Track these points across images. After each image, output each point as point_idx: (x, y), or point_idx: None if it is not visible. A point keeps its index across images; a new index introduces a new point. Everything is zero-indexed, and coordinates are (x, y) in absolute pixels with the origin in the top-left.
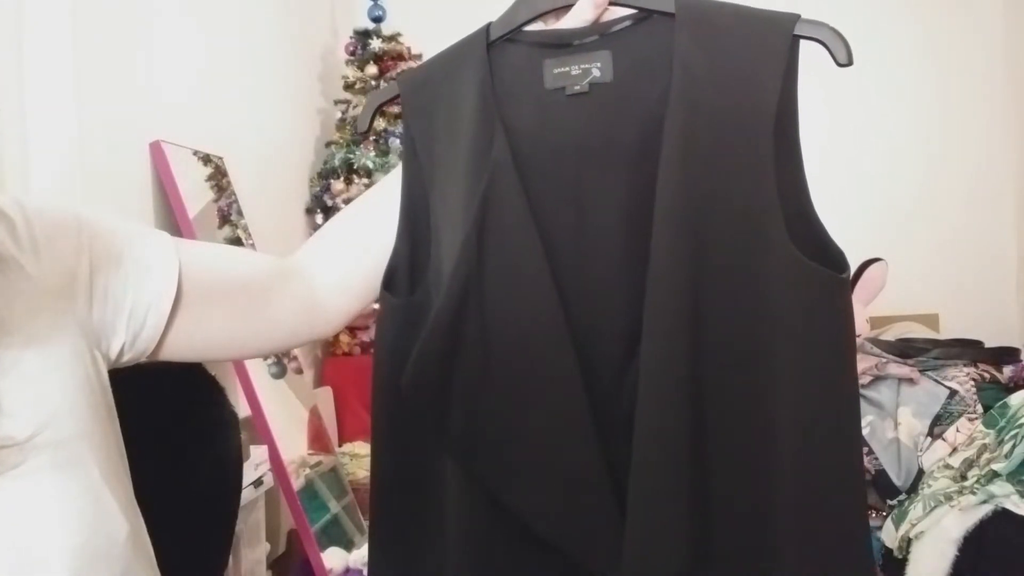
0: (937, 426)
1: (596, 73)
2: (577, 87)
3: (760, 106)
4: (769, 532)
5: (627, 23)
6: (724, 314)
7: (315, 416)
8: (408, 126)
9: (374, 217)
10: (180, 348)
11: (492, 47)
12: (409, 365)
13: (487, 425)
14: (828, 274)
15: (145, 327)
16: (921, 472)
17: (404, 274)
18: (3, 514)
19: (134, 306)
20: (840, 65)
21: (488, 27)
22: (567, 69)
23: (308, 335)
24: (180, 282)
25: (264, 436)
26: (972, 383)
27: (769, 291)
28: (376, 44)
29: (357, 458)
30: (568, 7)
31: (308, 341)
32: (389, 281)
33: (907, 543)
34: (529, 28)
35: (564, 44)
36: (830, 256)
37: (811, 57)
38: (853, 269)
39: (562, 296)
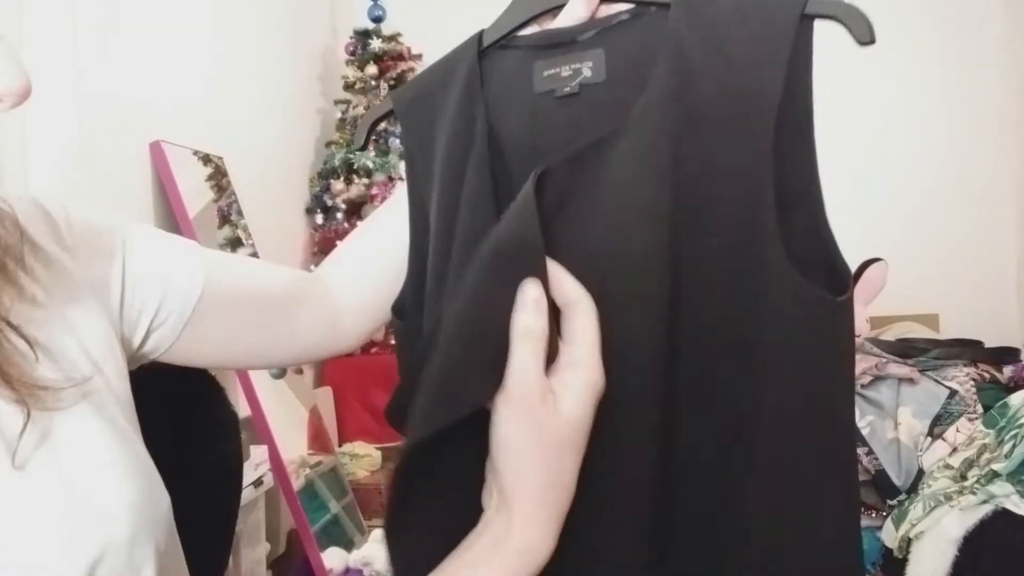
0: (937, 426)
1: (587, 73)
2: (567, 88)
3: (759, 98)
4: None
5: (624, 17)
6: (703, 341)
7: (315, 416)
8: (405, 143)
9: (387, 232)
10: (200, 354)
11: (484, 55)
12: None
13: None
14: (827, 299)
15: (165, 330)
16: (921, 472)
17: (412, 296)
18: (62, 457)
19: (159, 309)
20: (861, 44)
21: (480, 35)
22: (557, 71)
23: (328, 350)
24: (205, 289)
25: (264, 436)
26: (972, 383)
27: (758, 313)
28: (376, 44)
29: (357, 458)
30: (561, 7)
31: (326, 356)
32: (400, 305)
33: (907, 543)
34: (524, 32)
35: (558, 44)
36: (836, 276)
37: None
38: (853, 269)
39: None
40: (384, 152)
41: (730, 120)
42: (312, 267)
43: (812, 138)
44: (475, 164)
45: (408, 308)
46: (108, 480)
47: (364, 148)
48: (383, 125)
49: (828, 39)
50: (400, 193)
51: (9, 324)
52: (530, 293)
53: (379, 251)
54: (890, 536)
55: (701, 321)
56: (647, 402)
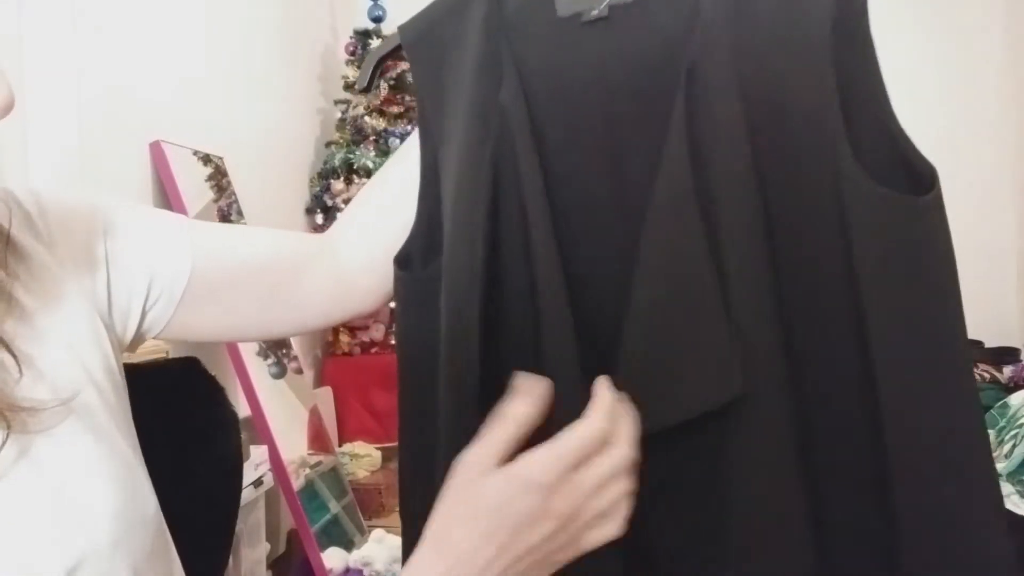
0: None
1: None
2: (595, 11)
3: (813, 9)
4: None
5: None
6: (801, 268)
7: (315, 416)
8: (416, 81)
9: (395, 185)
10: (200, 330)
11: None
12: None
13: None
14: (900, 198)
15: (155, 312)
16: None
17: (419, 249)
18: (45, 468)
19: (149, 289)
20: None
21: None
22: None
23: (341, 315)
24: (197, 265)
25: (264, 436)
26: None
27: (840, 224)
28: (376, 44)
29: (357, 458)
30: None
31: (342, 320)
32: (404, 257)
33: None
34: None
35: None
36: (915, 175)
37: None
38: None
39: (586, 276)
40: (384, 152)
41: (786, 37)
42: None
43: (870, 41)
44: (510, 104)
45: (414, 258)
46: (89, 487)
47: (368, 89)
48: (383, 125)
49: None
50: (412, 140)
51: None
52: (534, 386)
53: (393, 203)
54: None
55: (796, 249)
56: (771, 355)
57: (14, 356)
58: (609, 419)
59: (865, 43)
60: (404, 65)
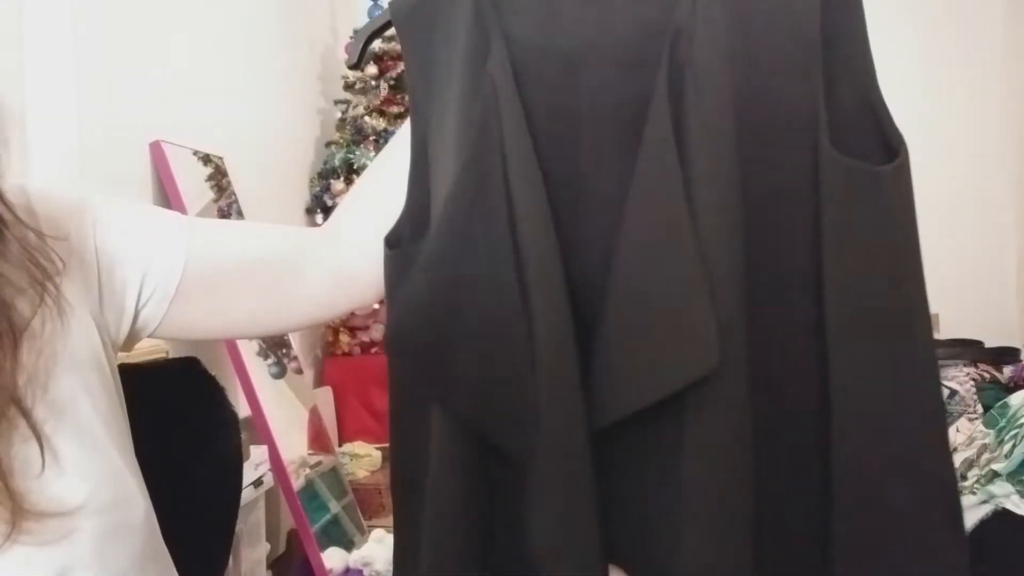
0: None
1: None
2: None
3: None
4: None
5: None
6: (768, 256)
7: (315, 416)
8: (405, 56)
9: (391, 174)
10: (196, 327)
11: None
12: (395, 313)
13: (476, 371)
14: (865, 168)
15: (148, 310)
16: None
17: (409, 227)
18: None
19: (141, 287)
20: None
21: None
22: None
23: (346, 305)
24: (191, 260)
25: (264, 436)
26: (972, 383)
27: (816, 199)
28: (376, 44)
29: (357, 458)
30: None
31: (348, 311)
32: (394, 237)
33: None
34: None
35: None
36: (887, 146)
37: None
38: None
39: (572, 246)
40: None
41: (776, 12)
42: None
43: (861, 14)
44: (498, 73)
45: (404, 236)
46: (74, 498)
47: (358, 66)
48: (383, 125)
49: None
50: (404, 130)
51: (20, 407)
52: None
53: (389, 192)
54: None
55: (767, 220)
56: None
57: (38, 438)
58: None
59: (854, 10)
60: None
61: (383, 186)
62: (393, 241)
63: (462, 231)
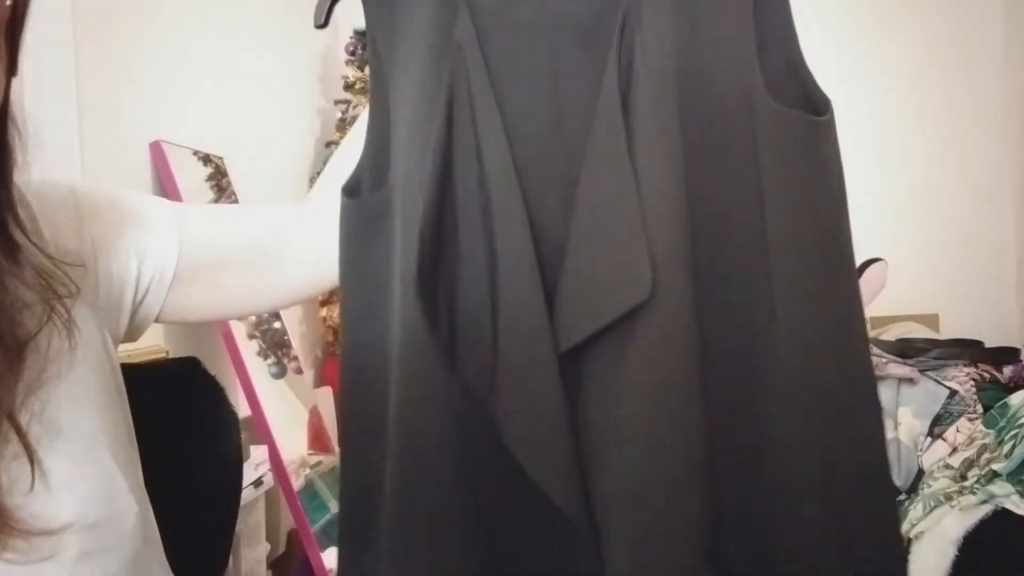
0: (937, 426)
1: None
2: None
3: None
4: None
5: None
6: (712, 196)
7: (315, 416)
8: (368, 20)
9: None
10: (196, 311)
11: None
12: (410, 275)
13: (466, 338)
14: (806, 118)
15: (149, 299)
16: (921, 472)
17: (368, 176)
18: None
19: (139, 280)
20: None
21: None
22: None
23: (332, 279)
24: (185, 246)
25: (264, 436)
26: (972, 383)
27: (753, 147)
28: None
29: None
30: None
31: (329, 285)
32: (353, 186)
33: (907, 543)
34: None
35: None
36: (814, 104)
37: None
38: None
39: (536, 197)
40: None
41: None
42: None
43: None
44: (465, 41)
45: (364, 186)
46: (59, 506)
47: (325, 25)
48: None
49: (830, 40)
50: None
51: (14, 423)
52: None
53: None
54: None
55: (709, 168)
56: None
57: (29, 455)
58: None
59: None
60: None
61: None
62: (351, 190)
63: (441, 183)
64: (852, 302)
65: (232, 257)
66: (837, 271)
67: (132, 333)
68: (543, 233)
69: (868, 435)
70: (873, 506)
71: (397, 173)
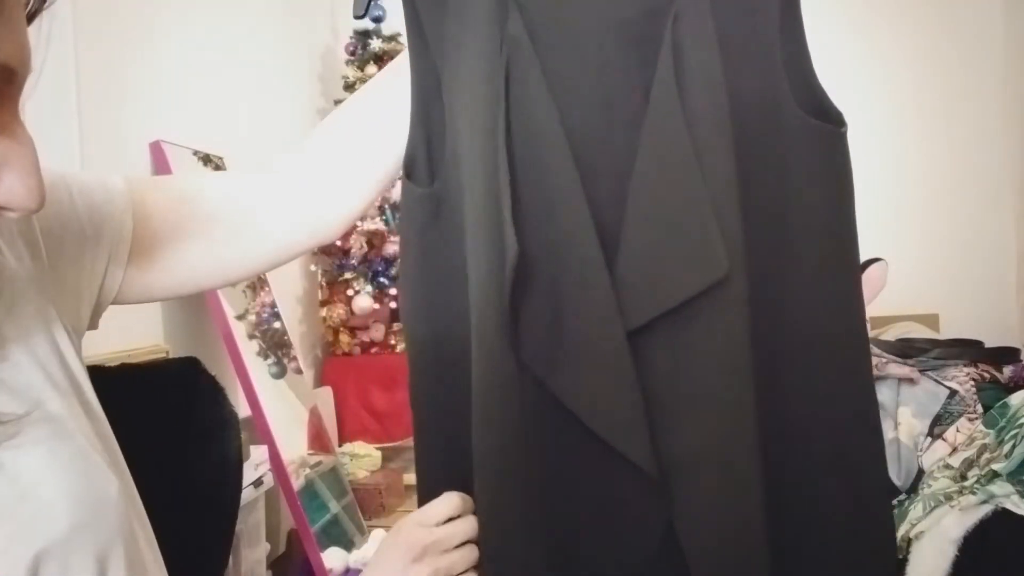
0: (937, 426)
1: None
2: None
3: None
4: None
5: None
6: (751, 191)
7: (315, 416)
8: (416, 5)
9: (381, 104)
10: (160, 288)
11: None
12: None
13: (528, 319)
14: (830, 129)
15: (107, 281)
16: (921, 472)
17: (423, 162)
18: (5, 468)
19: (95, 259)
20: None
21: None
22: None
23: (308, 243)
24: (139, 220)
25: (264, 436)
26: (972, 383)
27: (783, 151)
28: (376, 44)
29: (357, 458)
30: None
31: (311, 249)
32: (410, 170)
33: (907, 543)
34: None
35: None
36: (830, 118)
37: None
38: None
39: (590, 184)
40: None
41: (747, 9)
42: (312, 267)
43: (800, 14)
44: (519, 37)
45: (423, 174)
46: (46, 480)
47: (364, 16)
48: None
49: (831, 43)
50: (392, 63)
51: None
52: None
53: (364, 121)
54: None
55: (753, 168)
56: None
57: None
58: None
59: (797, 15)
60: None
61: (357, 123)
62: (408, 169)
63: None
64: (858, 301)
65: (192, 229)
66: (847, 272)
67: (94, 317)
68: (596, 221)
69: (862, 382)
70: (863, 447)
71: (461, 160)
